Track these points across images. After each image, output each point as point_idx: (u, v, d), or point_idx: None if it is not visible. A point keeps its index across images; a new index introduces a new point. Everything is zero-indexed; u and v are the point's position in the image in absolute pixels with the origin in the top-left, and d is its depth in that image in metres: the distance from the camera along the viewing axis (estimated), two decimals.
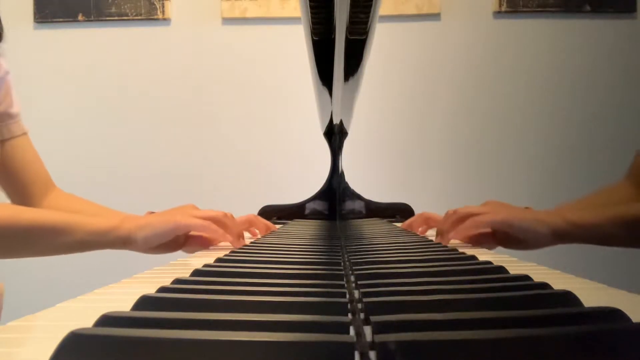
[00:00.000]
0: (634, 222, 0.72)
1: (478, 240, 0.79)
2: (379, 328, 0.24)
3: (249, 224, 0.92)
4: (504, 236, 0.77)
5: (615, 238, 0.74)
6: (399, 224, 1.09)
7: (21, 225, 0.69)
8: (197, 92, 1.98)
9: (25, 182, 0.90)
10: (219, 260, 0.53)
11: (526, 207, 0.83)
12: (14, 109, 0.90)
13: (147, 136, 1.98)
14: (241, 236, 0.79)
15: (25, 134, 0.92)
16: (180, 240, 0.79)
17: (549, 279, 0.36)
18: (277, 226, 1.04)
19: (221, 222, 0.76)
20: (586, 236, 0.74)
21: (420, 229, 0.97)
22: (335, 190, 1.28)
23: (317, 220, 1.23)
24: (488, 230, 0.78)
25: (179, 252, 0.81)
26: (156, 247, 0.75)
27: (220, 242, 0.81)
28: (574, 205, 0.88)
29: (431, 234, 0.98)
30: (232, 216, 0.81)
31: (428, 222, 0.96)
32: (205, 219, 0.75)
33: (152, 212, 0.87)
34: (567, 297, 0.31)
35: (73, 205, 0.93)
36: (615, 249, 0.78)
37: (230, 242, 0.77)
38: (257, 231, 0.94)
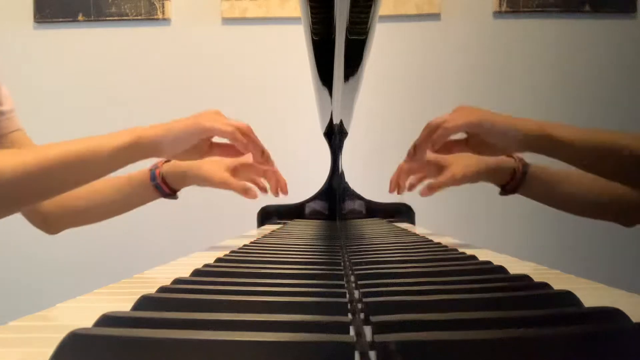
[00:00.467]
0: (610, 151, 0.68)
1: (452, 149, 0.78)
2: (379, 328, 0.24)
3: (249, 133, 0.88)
4: (477, 141, 0.75)
5: (586, 164, 0.71)
6: (399, 224, 1.09)
7: (50, 165, 0.66)
8: (197, 92, 1.98)
9: None
10: (219, 260, 0.53)
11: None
12: (5, 107, 0.90)
13: None
14: (265, 152, 0.77)
15: (19, 130, 0.91)
16: (204, 147, 0.76)
17: (549, 279, 0.36)
18: (277, 226, 1.04)
19: (246, 133, 0.74)
20: (555, 151, 0.71)
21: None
22: (335, 190, 1.28)
23: (317, 220, 1.23)
24: (462, 137, 0.76)
25: (179, 252, 0.81)
26: (182, 152, 0.73)
27: (243, 154, 0.78)
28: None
29: (428, 231, 0.98)
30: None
31: (407, 171, 0.96)
32: (231, 125, 0.73)
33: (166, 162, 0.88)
34: (567, 297, 0.31)
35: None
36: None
37: (253, 155, 0.75)
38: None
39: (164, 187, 0.90)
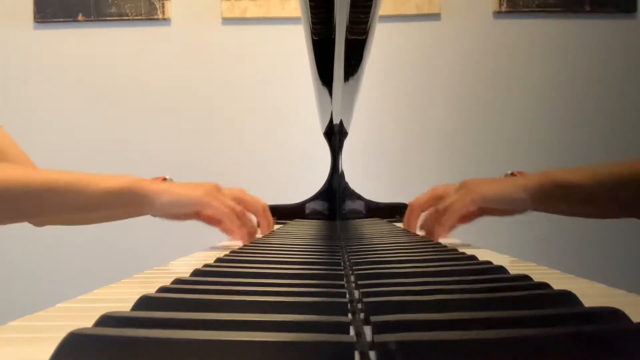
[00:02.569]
0: (617, 182, 0.68)
1: (466, 221, 0.80)
2: (379, 328, 0.24)
3: (261, 213, 0.89)
4: (488, 209, 0.78)
5: (597, 199, 0.71)
6: (399, 224, 1.09)
7: (34, 187, 0.66)
8: (197, 92, 1.98)
9: None
10: (219, 260, 0.53)
11: (512, 174, 0.83)
12: None
13: (147, 136, 1.98)
14: (253, 235, 0.78)
15: None
16: (192, 215, 0.77)
17: (549, 279, 0.36)
18: (277, 226, 1.04)
19: (240, 215, 0.75)
20: (567, 196, 0.71)
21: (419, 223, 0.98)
22: (335, 190, 1.28)
23: (317, 220, 1.23)
24: (473, 209, 0.78)
25: (179, 251, 0.81)
26: (174, 214, 0.74)
27: (233, 234, 0.80)
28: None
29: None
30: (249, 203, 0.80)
31: (415, 212, 0.97)
32: (227, 206, 0.74)
33: (165, 178, 0.88)
34: (567, 297, 0.31)
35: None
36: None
37: (241, 239, 0.76)
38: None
39: None
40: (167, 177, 0.93)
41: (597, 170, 0.70)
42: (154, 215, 0.74)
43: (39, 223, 0.91)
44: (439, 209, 0.77)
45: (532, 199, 0.72)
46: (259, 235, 0.93)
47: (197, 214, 0.78)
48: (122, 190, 0.70)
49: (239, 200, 0.78)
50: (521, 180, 0.74)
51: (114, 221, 0.94)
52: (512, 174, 0.92)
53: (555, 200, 0.72)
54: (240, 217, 0.75)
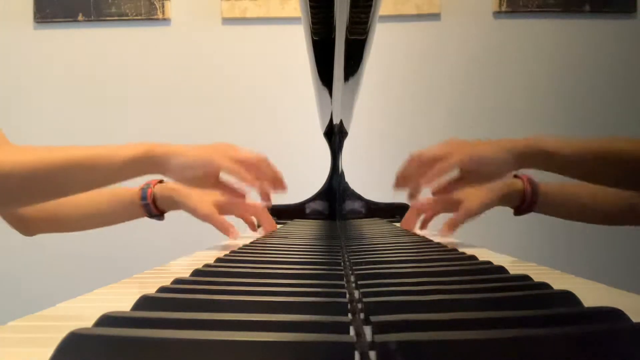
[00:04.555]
0: (607, 157, 0.68)
1: (449, 189, 0.78)
2: (379, 328, 0.24)
3: (261, 164, 0.83)
4: (472, 174, 0.76)
5: (597, 174, 0.71)
6: (399, 224, 1.09)
7: (54, 166, 0.64)
8: (197, 92, 1.98)
9: None
10: (219, 260, 0.53)
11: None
12: None
13: (147, 136, 1.98)
14: (277, 182, 0.78)
15: None
16: (210, 180, 0.75)
17: (549, 279, 0.36)
18: (277, 226, 1.04)
19: (254, 166, 0.74)
20: (552, 163, 0.70)
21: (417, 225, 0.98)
22: (335, 190, 1.28)
23: (317, 220, 1.23)
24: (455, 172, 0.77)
25: (177, 253, 0.81)
26: (189, 179, 0.73)
27: (244, 196, 0.79)
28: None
29: (431, 230, 0.98)
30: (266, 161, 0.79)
31: (418, 210, 0.97)
32: (238, 161, 0.73)
33: (161, 181, 0.89)
34: (567, 297, 0.31)
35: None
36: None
37: (260, 190, 0.76)
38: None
39: (153, 207, 0.90)
40: (164, 179, 0.93)
41: (585, 143, 0.70)
42: (173, 179, 0.73)
43: (29, 232, 0.89)
44: (424, 159, 0.74)
45: (515, 161, 0.71)
46: (259, 235, 0.93)
47: (212, 182, 0.76)
48: (141, 157, 0.68)
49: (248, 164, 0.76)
50: (506, 143, 0.73)
51: (110, 225, 0.94)
52: (516, 177, 0.92)
53: (537, 166, 0.71)
54: (254, 169, 0.74)
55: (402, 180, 0.78)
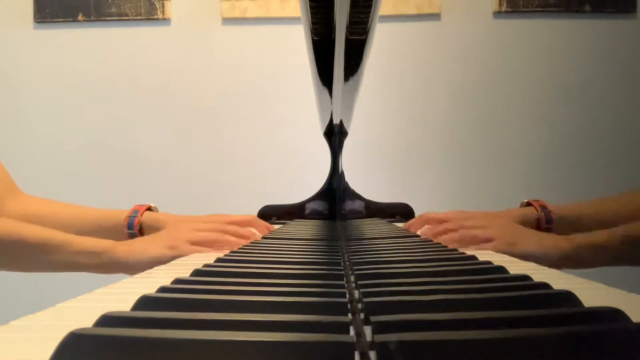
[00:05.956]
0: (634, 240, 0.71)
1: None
2: (379, 328, 0.24)
3: (248, 225, 0.91)
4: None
5: (627, 258, 0.74)
6: (399, 224, 1.09)
7: (10, 239, 0.69)
8: (197, 92, 1.98)
9: None
10: (219, 260, 0.53)
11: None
12: None
13: (146, 136, 1.98)
14: (245, 238, 0.79)
15: None
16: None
17: (549, 279, 0.36)
18: (277, 226, 1.04)
19: (222, 231, 0.77)
20: (596, 258, 0.73)
21: (420, 232, 0.97)
22: (335, 190, 1.28)
23: (317, 220, 1.23)
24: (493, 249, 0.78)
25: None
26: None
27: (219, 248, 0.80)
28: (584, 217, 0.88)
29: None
30: (231, 220, 0.81)
31: (429, 223, 0.96)
32: (195, 238, 0.75)
33: (150, 207, 0.89)
34: (567, 297, 0.31)
35: (45, 208, 0.90)
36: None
37: (227, 246, 0.77)
38: (255, 231, 0.93)
39: (138, 235, 0.89)
40: (152, 205, 0.92)
41: (620, 230, 0.73)
42: (130, 274, 0.76)
43: None
44: (465, 237, 0.75)
45: (561, 260, 0.73)
46: (259, 236, 0.93)
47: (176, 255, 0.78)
48: (98, 254, 0.73)
49: (223, 225, 0.79)
50: (548, 240, 0.75)
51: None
52: (528, 204, 0.92)
53: (584, 262, 0.74)
54: (222, 233, 0.77)
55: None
